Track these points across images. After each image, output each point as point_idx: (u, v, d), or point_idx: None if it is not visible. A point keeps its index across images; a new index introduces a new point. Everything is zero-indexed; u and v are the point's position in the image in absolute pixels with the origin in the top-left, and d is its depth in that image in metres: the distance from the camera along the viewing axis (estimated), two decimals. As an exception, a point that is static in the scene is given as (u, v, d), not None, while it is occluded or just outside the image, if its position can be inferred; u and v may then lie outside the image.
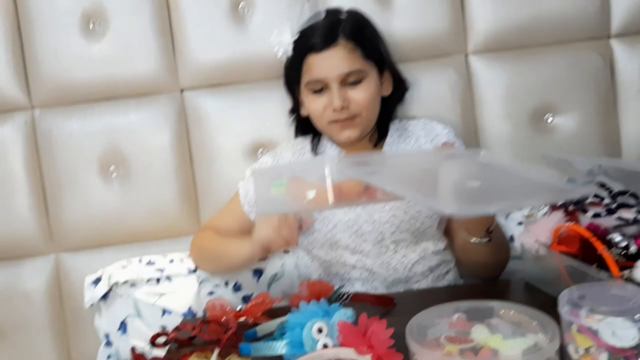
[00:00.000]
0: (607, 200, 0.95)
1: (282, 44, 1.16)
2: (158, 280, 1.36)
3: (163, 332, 0.99)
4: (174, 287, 1.35)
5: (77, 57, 1.45)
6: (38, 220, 1.47)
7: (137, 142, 1.47)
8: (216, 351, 0.79)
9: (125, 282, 1.34)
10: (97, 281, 1.37)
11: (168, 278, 1.36)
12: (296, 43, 1.14)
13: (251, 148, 1.48)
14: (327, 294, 1.02)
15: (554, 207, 1.01)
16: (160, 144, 1.48)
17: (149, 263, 1.40)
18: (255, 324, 1.00)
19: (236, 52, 1.48)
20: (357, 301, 1.03)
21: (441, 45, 1.49)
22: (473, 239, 1.07)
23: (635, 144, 1.53)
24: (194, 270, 1.36)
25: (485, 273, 1.20)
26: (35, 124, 1.47)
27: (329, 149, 1.24)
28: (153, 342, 0.98)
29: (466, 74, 1.51)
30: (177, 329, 1.00)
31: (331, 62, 1.10)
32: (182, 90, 1.49)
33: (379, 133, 1.23)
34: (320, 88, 1.12)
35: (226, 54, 1.47)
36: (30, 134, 1.47)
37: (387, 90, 1.20)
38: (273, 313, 1.03)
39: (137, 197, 1.48)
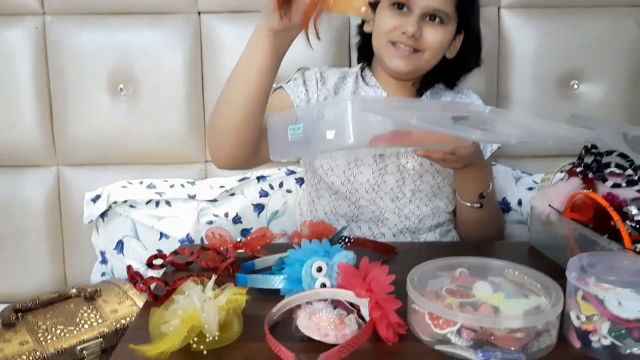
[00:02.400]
0: (629, 172, 0.92)
1: None
2: (157, 203, 1.35)
3: (160, 254, 0.98)
4: (173, 212, 1.34)
5: (94, -35, 1.39)
6: (42, 130, 1.45)
7: (149, 62, 1.43)
8: (213, 278, 0.78)
9: (125, 202, 1.33)
10: (96, 199, 1.36)
11: (167, 203, 1.35)
12: None
13: (265, 80, 1.44)
14: (328, 235, 1.00)
15: (571, 173, 0.98)
16: (173, 65, 1.44)
17: (150, 186, 1.38)
18: (254, 257, 0.99)
19: (260, -22, 1.41)
20: (359, 246, 1.01)
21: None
22: (467, 203, 1.12)
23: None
24: (194, 197, 1.35)
25: (479, 238, 1.20)
26: (45, 31, 1.42)
27: (370, 89, 1.19)
28: (150, 264, 0.97)
29: (497, 28, 1.46)
30: (175, 252, 0.99)
31: None
32: (199, 13, 1.43)
33: (420, 85, 1.19)
34: (402, 6, 1.07)
35: (249, -20, 1.41)
36: (40, 41, 1.42)
37: (452, 52, 1.15)
38: (272, 248, 1.02)
39: (144, 119, 1.45)
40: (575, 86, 1.46)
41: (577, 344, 0.72)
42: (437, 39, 1.08)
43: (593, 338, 0.70)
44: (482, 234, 1.18)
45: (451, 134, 0.89)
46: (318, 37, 0.90)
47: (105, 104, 1.44)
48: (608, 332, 0.69)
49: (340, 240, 1.01)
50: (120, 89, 1.43)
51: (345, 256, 0.86)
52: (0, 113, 1.43)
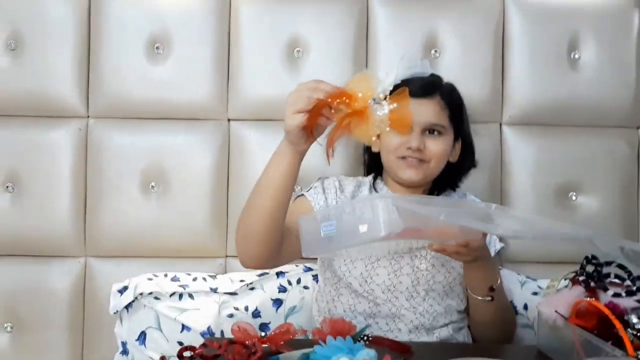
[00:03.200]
0: (627, 282, 1.00)
1: (383, 84, 1.25)
2: (181, 295, 1.41)
3: (190, 347, 1.03)
4: (195, 305, 1.40)
5: (138, 76, 1.55)
6: (75, 223, 1.53)
7: (180, 162, 1.55)
8: (247, 370, 0.84)
9: (150, 293, 1.40)
10: (123, 290, 1.42)
11: (190, 295, 1.41)
12: (396, 85, 1.23)
13: (286, 183, 1.55)
14: (348, 332, 1.06)
15: (574, 281, 1.06)
16: (201, 167, 1.55)
17: (174, 279, 1.45)
18: (277, 352, 1.04)
19: (285, 91, 1.51)
20: (376, 344, 1.07)
21: (478, 112, 1.56)
22: (479, 297, 1.19)
23: (653, 232, 1.59)
24: (215, 290, 1.41)
25: (492, 336, 1.26)
26: (88, 132, 1.55)
27: (383, 192, 1.33)
28: (180, 355, 1.02)
29: (498, 143, 1.59)
30: (204, 345, 1.04)
31: (423, 109, 1.22)
32: (229, 120, 1.57)
33: (429, 191, 1.32)
34: None
35: (276, 92, 1.55)
36: (82, 141, 1.55)
37: (454, 157, 1.32)
38: (292, 344, 1.07)
39: (172, 215, 1.54)
40: (574, 197, 1.57)
41: None
42: (439, 149, 1.24)
43: None
44: (495, 332, 1.24)
45: (478, 229, 1.00)
46: (333, 156, 1.04)
47: (136, 200, 1.54)
48: None
49: (360, 339, 1.07)
50: (152, 186, 1.54)
51: (367, 354, 0.92)
52: (37, 206, 1.53)
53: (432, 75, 1.31)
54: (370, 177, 1.37)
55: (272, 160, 1.10)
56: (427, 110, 1.23)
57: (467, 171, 1.37)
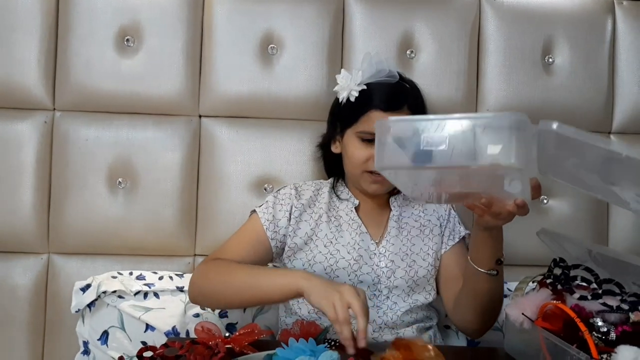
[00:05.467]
0: (593, 285, 1.00)
1: (345, 88, 1.23)
2: (146, 295, 1.38)
3: (151, 347, 1.01)
4: (160, 304, 1.36)
5: (107, 69, 1.51)
6: (38, 218, 1.49)
7: (149, 158, 1.51)
8: (206, 372, 0.81)
9: (114, 292, 1.36)
10: (86, 288, 1.38)
11: (156, 294, 1.38)
12: (362, 94, 1.21)
13: (257, 182, 1.53)
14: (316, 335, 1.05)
15: (542, 284, 1.05)
16: (171, 163, 1.52)
17: (139, 277, 1.42)
18: (241, 353, 1.02)
19: (258, 88, 1.54)
20: (343, 350, 1.05)
21: (454, 112, 1.56)
22: (483, 270, 1.11)
23: (621, 237, 1.60)
24: (182, 289, 1.38)
25: (480, 317, 1.21)
26: (54, 125, 1.50)
27: (341, 201, 1.31)
28: (140, 355, 0.99)
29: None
30: (165, 345, 1.01)
31: None
32: (200, 116, 1.54)
33: (390, 194, 1.32)
34: (370, 140, 1.20)
35: (248, 89, 1.53)
36: (47, 134, 1.50)
37: None
38: (258, 345, 1.05)
39: (139, 211, 1.50)
40: (545, 201, 1.58)
41: None
42: None
43: None
44: (485, 314, 1.19)
45: None
46: None
47: (103, 195, 1.50)
48: None
49: (325, 341, 1.05)
50: (119, 182, 1.50)
51: (329, 356, 0.90)
52: (0, 199, 1.48)
53: (399, 81, 1.26)
54: (330, 180, 1.36)
55: (278, 280, 1.08)
56: None
57: None
